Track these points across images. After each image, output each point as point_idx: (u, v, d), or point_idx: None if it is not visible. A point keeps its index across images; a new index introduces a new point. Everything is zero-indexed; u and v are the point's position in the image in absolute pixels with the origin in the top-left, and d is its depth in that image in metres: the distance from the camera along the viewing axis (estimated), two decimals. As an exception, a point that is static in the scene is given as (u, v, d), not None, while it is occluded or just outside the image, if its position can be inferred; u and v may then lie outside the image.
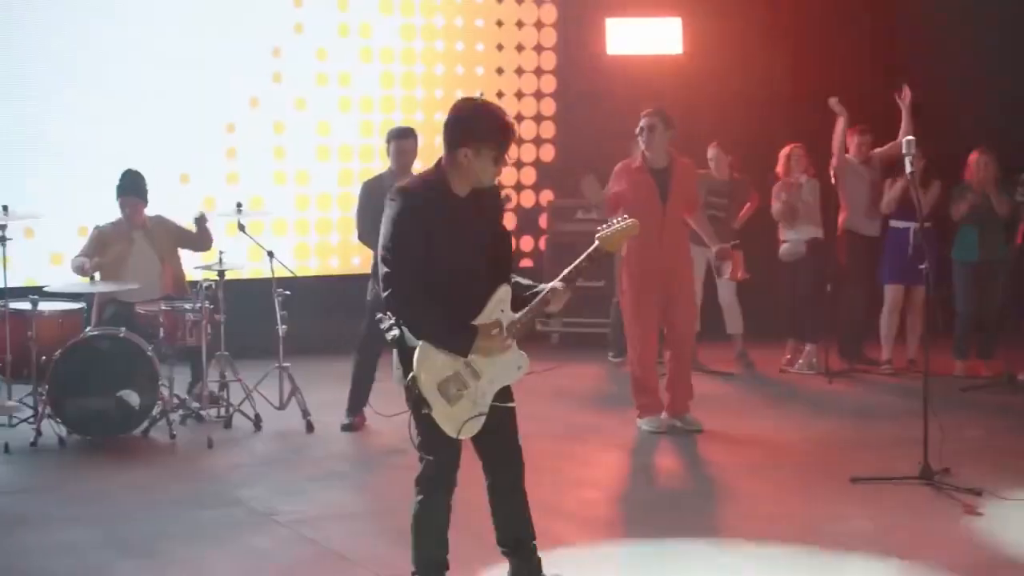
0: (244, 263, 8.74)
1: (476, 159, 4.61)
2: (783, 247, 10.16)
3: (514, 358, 4.74)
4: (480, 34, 11.60)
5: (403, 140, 8.17)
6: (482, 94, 11.37)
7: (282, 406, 8.14)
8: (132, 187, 8.30)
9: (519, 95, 11.81)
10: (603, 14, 11.76)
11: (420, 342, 4.56)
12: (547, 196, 11.71)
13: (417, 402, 4.57)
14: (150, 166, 9.76)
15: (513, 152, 11.66)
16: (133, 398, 7.51)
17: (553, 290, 4.72)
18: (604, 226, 4.95)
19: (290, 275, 8.45)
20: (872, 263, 10.10)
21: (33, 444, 7.43)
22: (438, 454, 4.66)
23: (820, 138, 10.27)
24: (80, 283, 8.08)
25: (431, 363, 4.56)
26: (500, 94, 11.65)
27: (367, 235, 7.77)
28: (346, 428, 7.92)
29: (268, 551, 5.58)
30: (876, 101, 10.96)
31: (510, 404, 4.78)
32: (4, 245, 7.66)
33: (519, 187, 11.84)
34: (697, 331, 10.23)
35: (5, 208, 7.75)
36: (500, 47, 11.68)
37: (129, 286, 7.98)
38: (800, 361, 10.14)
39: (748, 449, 7.58)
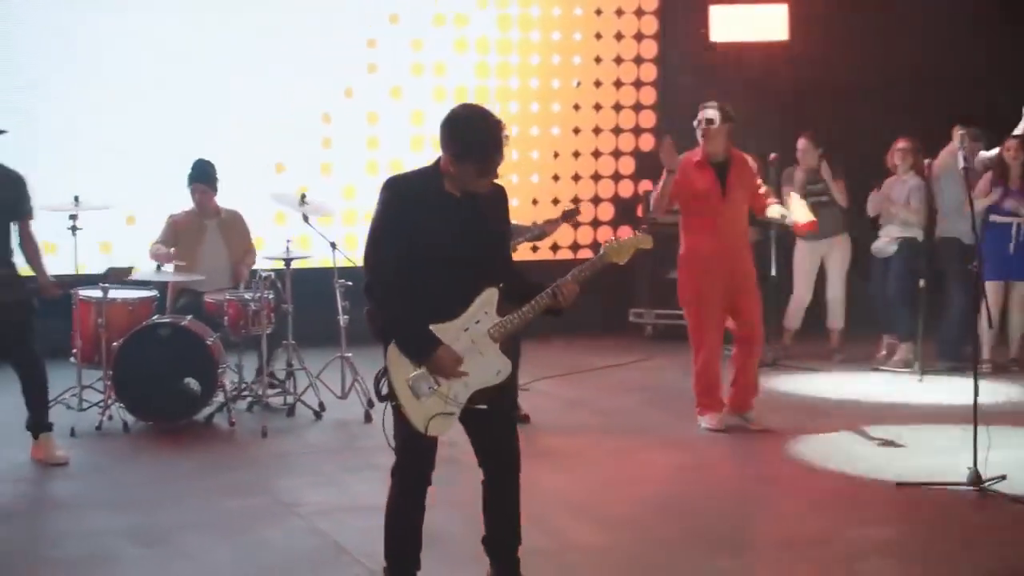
0: (311, 253, 8.86)
1: (459, 168, 4.55)
2: (875, 243, 9.88)
3: (493, 362, 4.63)
4: (578, 23, 11.45)
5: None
6: (579, 83, 11.43)
7: (344, 395, 8.21)
8: (201, 174, 8.44)
9: (617, 84, 11.62)
10: (707, 1, 11.53)
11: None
12: (645, 186, 11.52)
13: (387, 395, 4.56)
14: (246, 156, 10.04)
15: (611, 142, 11.59)
16: (194, 385, 7.67)
17: (561, 290, 4.68)
18: (613, 239, 4.96)
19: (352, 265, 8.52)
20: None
21: (98, 428, 7.64)
22: (409, 447, 4.62)
23: (934, 130, 9.91)
24: (151, 272, 8.27)
25: (402, 360, 4.53)
26: (598, 83, 11.52)
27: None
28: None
29: (272, 543, 5.62)
30: (996, 92, 10.55)
31: (480, 406, 4.65)
32: (75, 234, 7.89)
33: (617, 176, 11.68)
34: (797, 328, 10.13)
35: (77, 199, 7.99)
36: (599, 36, 11.51)
37: (194, 278, 8.15)
38: (895, 358, 9.81)
39: (798, 449, 7.33)
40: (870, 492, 6.46)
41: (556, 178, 11.48)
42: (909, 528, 5.92)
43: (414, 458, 4.65)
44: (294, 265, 8.22)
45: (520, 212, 10.92)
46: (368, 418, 7.87)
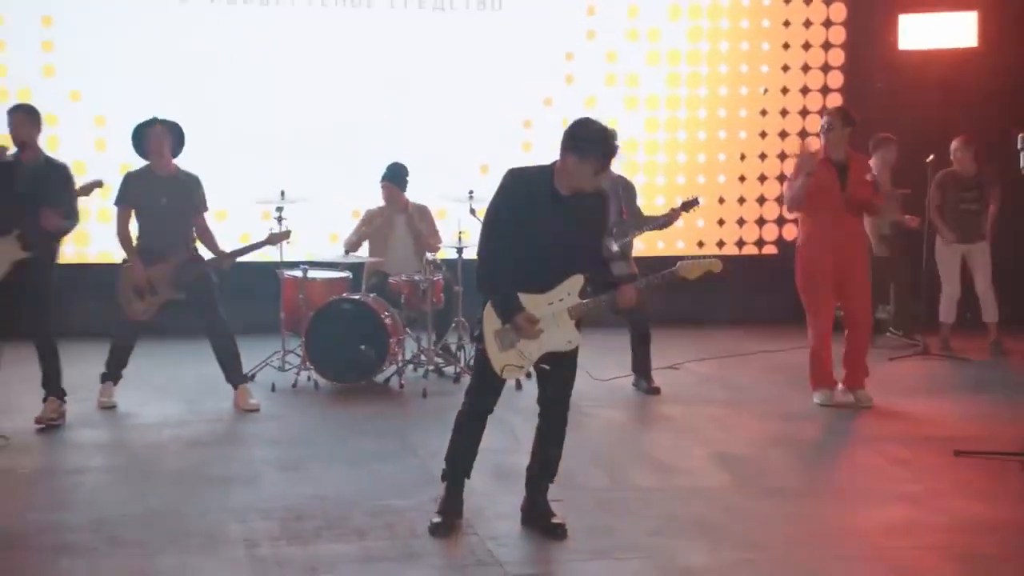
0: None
1: (579, 166, 5.45)
2: None
3: (566, 333, 5.60)
4: (766, 34, 12.10)
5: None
6: (766, 90, 12.07)
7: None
8: (391, 175, 9.66)
9: (804, 90, 12.20)
10: (896, 10, 11.95)
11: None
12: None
13: (478, 338, 5.67)
14: (453, 159, 11.18)
15: (798, 147, 12.16)
16: (370, 352, 8.90)
17: (620, 290, 5.63)
18: (688, 259, 5.83)
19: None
20: None
21: (294, 386, 8.99)
22: (484, 380, 5.67)
23: None
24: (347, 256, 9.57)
25: (493, 316, 5.58)
26: (785, 90, 12.13)
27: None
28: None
29: (383, 474, 6.73)
30: None
31: (545, 366, 5.63)
32: (281, 224, 9.25)
33: (805, 179, 12.23)
34: (952, 322, 10.50)
35: (283, 193, 9.37)
36: (786, 46, 12.12)
37: (375, 259, 9.42)
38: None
39: (898, 426, 7.88)
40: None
41: (742, 179, 12.16)
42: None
43: (485, 391, 5.72)
44: (465, 255, 9.36)
45: (707, 211, 11.73)
46: (519, 386, 8.90)
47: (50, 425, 7.66)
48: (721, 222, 12.14)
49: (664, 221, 8.92)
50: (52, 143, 10.09)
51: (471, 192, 9.33)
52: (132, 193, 8.28)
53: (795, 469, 6.98)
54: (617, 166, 9.05)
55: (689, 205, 8.89)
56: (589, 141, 5.41)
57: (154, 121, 8.28)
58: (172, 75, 10.96)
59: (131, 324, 8.32)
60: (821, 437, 7.81)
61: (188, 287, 8.24)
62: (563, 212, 5.48)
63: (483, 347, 5.63)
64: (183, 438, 7.60)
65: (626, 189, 8.94)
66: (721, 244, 12.03)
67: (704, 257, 5.82)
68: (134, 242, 8.34)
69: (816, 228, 8.39)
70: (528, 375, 5.99)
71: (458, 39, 11.57)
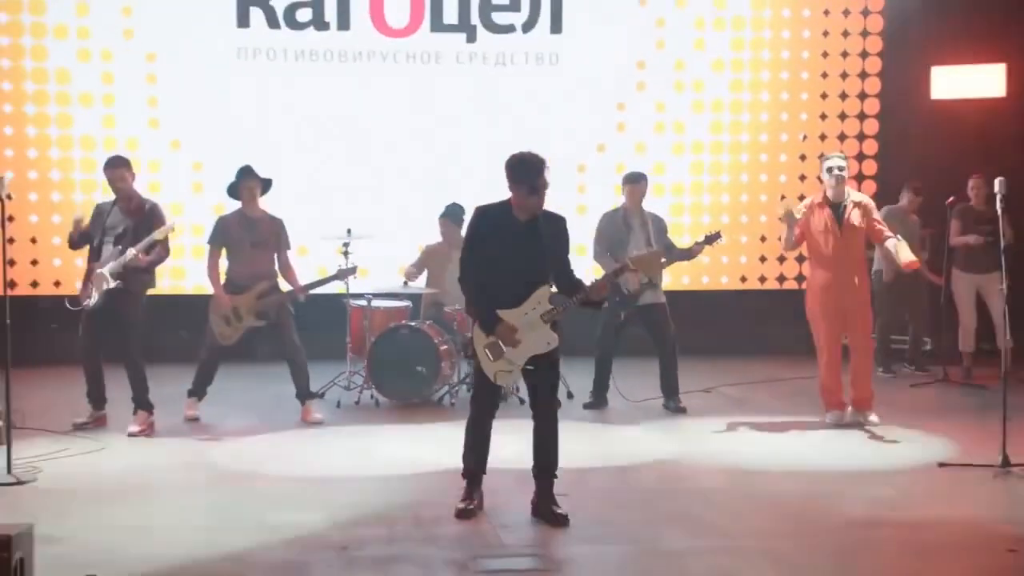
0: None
1: (516, 190, 6.51)
2: None
3: (543, 335, 6.56)
4: (804, 85, 12.95)
5: (635, 184, 9.89)
6: (805, 137, 12.88)
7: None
8: (449, 213, 10.62)
9: (841, 137, 13.00)
10: (928, 62, 12.72)
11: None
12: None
13: (470, 355, 6.75)
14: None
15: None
16: (425, 372, 9.86)
17: (588, 288, 6.61)
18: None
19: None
20: None
21: (357, 403, 10.01)
22: (482, 387, 6.70)
23: None
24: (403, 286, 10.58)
25: (480, 333, 6.59)
26: (823, 136, 12.94)
27: (599, 256, 9.71)
28: (588, 406, 9.85)
29: (398, 461, 7.73)
30: None
31: (529, 367, 6.60)
32: (348, 259, 10.25)
33: (840, 218, 13.01)
34: (972, 351, 11.17)
35: (349, 231, 10.41)
36: (824, 95, 12.95)
37: (432, 291, 10.42)
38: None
39: (892, 445, 8.65)
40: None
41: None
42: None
43: (484, 395, 6.73)
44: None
45: (750, 248, 12.53)
46: (570, 395, 9.85)
47: (140, 435, 8.77)
48: (763, 259, 12.94)
49: (688, 254, 9.73)
50: (155, 187, 11.32)
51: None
52: (223, 234, 9.41)
53: (793, 479, 7.75)
54: (649, 204, 10.05)
55: (712, 239, 9.53)
56: (514, 168, 6.52)
57: (246, 170, 9.42)
58: (259, 127, 12.19)
59: (217, 347, 9.40)
60: (823, 449, 8.60)
61: (268, 316, 9.32)
62: (524, 235, 6.50)
63: (477, 361, 6.62)
64: (254, 445, 8.66)
65: (656, 224, 9.85)
66: (763, 279, 12.83)
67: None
68: (223, 276, 9.45)
69: (818, 268, 9.20)
70: (516, 388, 6.90)
71: (518, 91, 12.60)
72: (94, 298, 8.72)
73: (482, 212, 6.67)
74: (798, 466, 8.03)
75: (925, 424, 9.22)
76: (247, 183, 9.35)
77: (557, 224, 6.68)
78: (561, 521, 6.53)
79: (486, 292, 6.58)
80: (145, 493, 7.33)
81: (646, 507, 6.96)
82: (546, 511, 6.61)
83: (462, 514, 6.61)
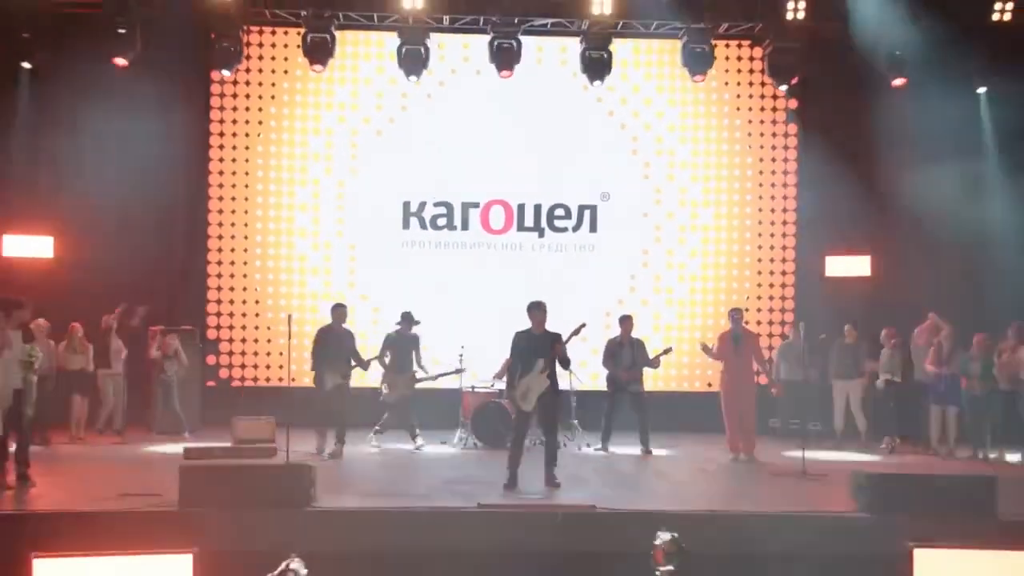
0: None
1: (531, 317, 13.48)
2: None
3: (543, 383, 13.15)
4: (747, 265, 20.08)
5: (627, 322, 17.02)
6: (745, 309, 19.92)
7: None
8: (533, 306, 13.37)
9: (769, 298, 20.01)
10: (824, 253, 19.56)
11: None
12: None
13: (512, 398, 13.63)
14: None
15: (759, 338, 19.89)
16: (503, 429, 16.84)
17: (552, 351, 13.35)
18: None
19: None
20: None
21: (464, 446, 17.06)
22: (520, 419, 13.46)
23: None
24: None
25: (515, 390, 13.49)
26: (759, 296, 19.99)
27: (605, 361, 16.85)
28: (597, 449, 16.90)
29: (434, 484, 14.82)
30: None
31: (531, 409, 13.57)
32: (461, 360, 17.37)
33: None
34: (841, 428, 17.98)
35: (463, 346, 17.56)
36: (760, 272, 20.03)
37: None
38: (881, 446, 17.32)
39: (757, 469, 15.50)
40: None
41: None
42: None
43: (522, 421, 13.46)
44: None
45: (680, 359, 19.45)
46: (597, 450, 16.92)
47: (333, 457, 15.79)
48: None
49: (653, 363, 16.82)
50: (351, 322, 18.78)
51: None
52: (390, 346, 16.70)
53: (713, 481, 14.26)
54: (636, 333, 17.10)
55: (664, 352, 16.70)
56: (530, 308, 13.03)
57: (406, 315, 16.75)
58: (411, 287, 19.46)
59: (389, 405, 16.71)
60: (731, 468, 15.24)
61: (412, 388, 16.60)
62: (537, 341, 13.14)
63: (516, 404, 13.41)
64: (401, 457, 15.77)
65: (638, 345, 16.65)
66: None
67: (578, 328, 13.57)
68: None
69: (725, 373, 16.04)
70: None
71: (569, 267, 19.66)
72: None
73: (519, 333, 13.35)
74: (719, 477, 14.83)
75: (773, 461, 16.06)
76: (405, 325, 16.71)
77: (553, 335, 13.50)
78: (556, 485, 13.10)
79: (519, 366, 13.18)
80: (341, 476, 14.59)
81: (610, 478, 13.98)
82: (549, 483, 13.12)
83: (504, 488, 12.79)
